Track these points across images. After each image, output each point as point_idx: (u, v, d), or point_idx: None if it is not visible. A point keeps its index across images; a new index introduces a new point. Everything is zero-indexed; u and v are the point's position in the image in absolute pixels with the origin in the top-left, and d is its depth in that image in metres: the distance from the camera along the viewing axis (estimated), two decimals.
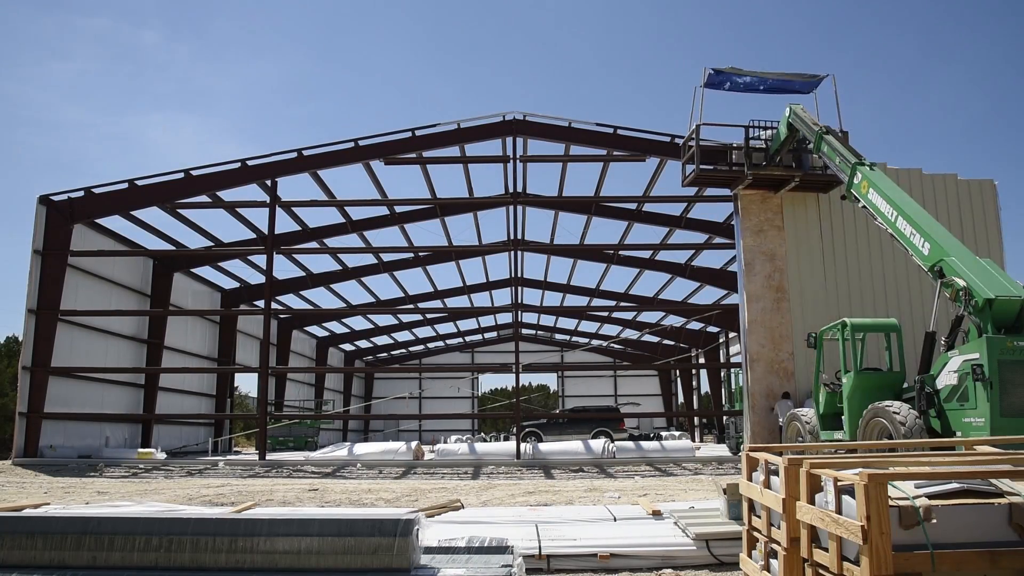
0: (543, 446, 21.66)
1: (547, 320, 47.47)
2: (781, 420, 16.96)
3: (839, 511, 3.68)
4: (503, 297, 39.93)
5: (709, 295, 33.61)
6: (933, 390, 11.97)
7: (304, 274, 31.44)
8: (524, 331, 47.08)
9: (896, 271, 18.75)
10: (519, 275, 24.70)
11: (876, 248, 18.96)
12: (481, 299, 39.85)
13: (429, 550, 4.88)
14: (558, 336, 50.66)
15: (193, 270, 29.25)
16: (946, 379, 11.62)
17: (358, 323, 42.54)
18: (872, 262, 18.96)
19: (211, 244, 26.78)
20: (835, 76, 19.08)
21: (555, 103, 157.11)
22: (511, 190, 22.25)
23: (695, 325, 37.47)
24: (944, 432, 11.81)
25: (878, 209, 13.86)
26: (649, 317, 40.87)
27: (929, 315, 12.71)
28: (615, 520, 7.86)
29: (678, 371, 45.46)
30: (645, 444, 22.87)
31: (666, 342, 43.25)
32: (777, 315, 18.82)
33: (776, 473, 4.60)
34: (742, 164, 18.40)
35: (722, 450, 26.37)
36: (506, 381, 61.74)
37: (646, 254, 29.70)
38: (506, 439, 29.99)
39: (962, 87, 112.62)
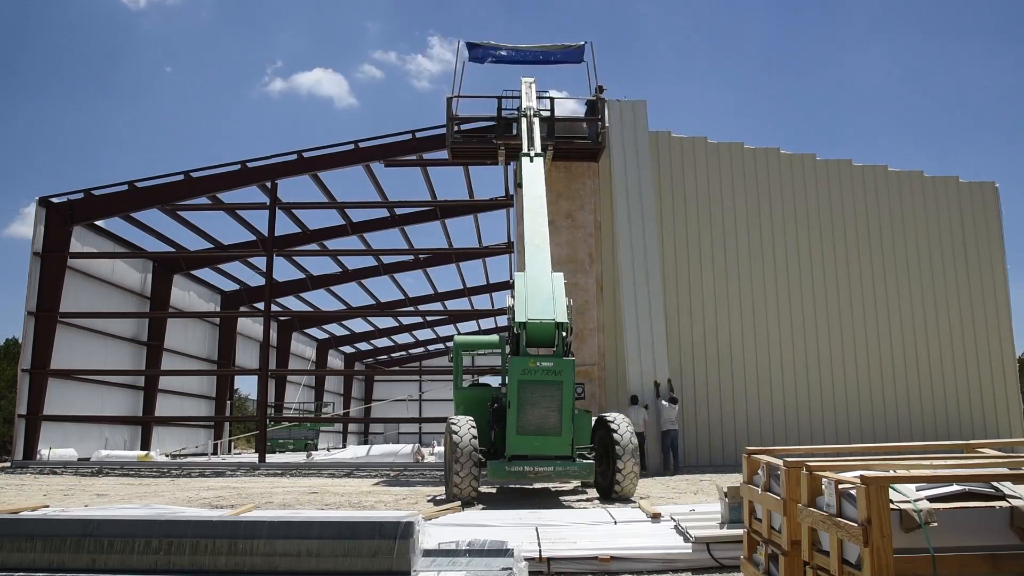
0: None
1: None
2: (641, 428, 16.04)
3: (840, 514, 3.66)
4: (504, 299, 39.82)
5: None
6: (506, 405, 11.63)
7: (304, 276, 31.43)
8: None
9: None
10: None
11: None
12: (481, 301, 39.84)
13: (429, 553, 4.87)
14: None
15: (193, 272, 29.25)
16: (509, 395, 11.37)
17: (358, 325, 42.52)
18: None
19: (211, 246, 26.79)
20: (592, 43, 18.82)
21: None
22: (511, 192, 22.22)
23: None
24: (497, 448, 11.57)
25: (522, 204, 13.23)
26: None
27: None
28: (615, 523, 7.87)
29: None
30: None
31: None
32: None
33: (777, 475, 4.59)
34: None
35: None
36: None
37: None
38: None
39: (964, 87, 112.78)
